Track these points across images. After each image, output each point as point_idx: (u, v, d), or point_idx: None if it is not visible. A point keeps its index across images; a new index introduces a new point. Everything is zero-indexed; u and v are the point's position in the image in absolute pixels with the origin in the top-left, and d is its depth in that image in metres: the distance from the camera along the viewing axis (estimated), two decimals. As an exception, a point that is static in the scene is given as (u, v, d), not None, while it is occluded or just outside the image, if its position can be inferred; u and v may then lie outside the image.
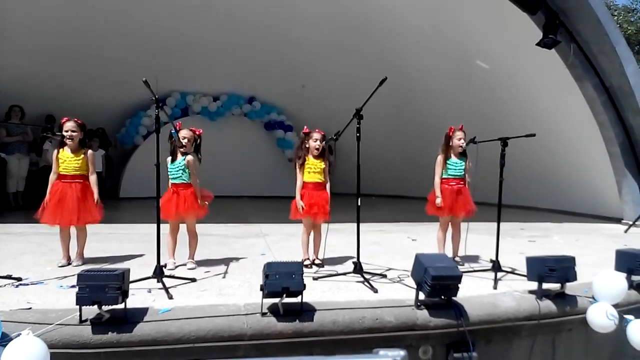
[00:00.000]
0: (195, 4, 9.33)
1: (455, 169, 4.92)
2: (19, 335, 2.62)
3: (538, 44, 7.53)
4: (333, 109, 8.59)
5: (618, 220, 8.27)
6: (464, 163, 4.94)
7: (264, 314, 3.20)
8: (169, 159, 4.54)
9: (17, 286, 3.73)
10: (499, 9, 7.69)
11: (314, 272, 4.40)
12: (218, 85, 11.93)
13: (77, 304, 2.89)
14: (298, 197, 4.67)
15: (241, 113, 12.51)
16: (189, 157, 4.52)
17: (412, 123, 11.16)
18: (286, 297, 3.15)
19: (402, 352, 0.98)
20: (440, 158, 4.97)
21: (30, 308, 3.15)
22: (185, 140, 4.50)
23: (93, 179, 4.56)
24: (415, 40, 9.66)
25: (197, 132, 4.67)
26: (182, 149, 4.49)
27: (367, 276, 4.09)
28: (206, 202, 4.62)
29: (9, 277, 3.85)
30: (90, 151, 4.62)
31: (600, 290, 3.77)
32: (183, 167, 4.49)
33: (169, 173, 4.50)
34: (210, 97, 12.15)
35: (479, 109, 9.51)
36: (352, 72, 10.34)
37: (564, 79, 8.06)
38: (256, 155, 12.56)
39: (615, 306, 3.69)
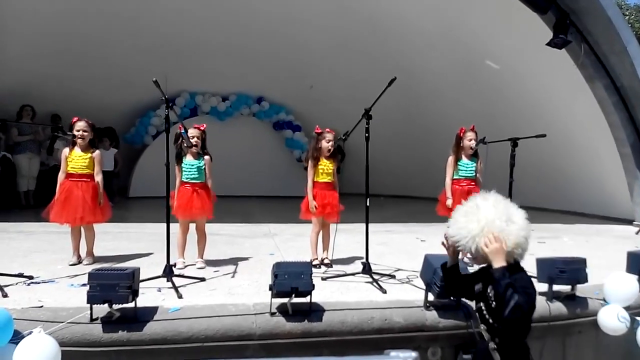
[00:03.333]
0: (203, 5, 9.36)
1: (466, 170, 4.89)
2: (30, 333, 2.65)
3: (548, 44, 7.47)
4: (341, 109, 8.58)
5: (629, 222, 8.20)
6: (475, 164, 4.91)
7: (272, 314, 3.20)
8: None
9: (28, 284, 3.77)
10: (509, 9, 7.64)
11: (323, 272, 4.40)
12: (227, 86, 11.95)
13: (88, 303, 2.92)
14: (310, 196, 4.67)
15: (250, 113, 12.53)
16: (207, 157, 4.61)
17: (420, 123, 11.12)
18: (295, 297, 3.15)
19: (413, 354, 0.98)
20: (450, 159, 4.95)
21: (41, 306, 3.17)
22: (195, 139, 4.53)
23: (99, 178, 4.60)
24: (424, 41, 9.63)
25: (202, 128, 4.70)
26: (194, 149, 4.52)
27: (375, 277, 4.08)
28: None
29: (20, 275, 3.89)
30: (97, 151, 4.66)
31: (612, 292, 3.73)
32: (202, 166, 4.54)
33: (183, 172, 4.53)
34: (219, 97, 12.18)
35: (487, 110, 9.45)
36: (360, 72, 10.33)
37: (574, 79, 8.00)
38: (264, 155, 12.56)
39: (627, 308, 3.66)
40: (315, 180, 4.70)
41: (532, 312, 2.41)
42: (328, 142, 4.67)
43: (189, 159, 4.55)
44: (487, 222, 2.40)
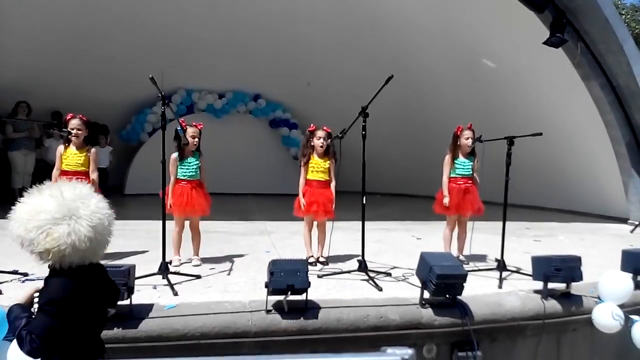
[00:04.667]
0: (201, 2, 9.33)
1: (463, 168, 4.90)
2: (25, 330, 2.63)
3: (545, 43, 7.48)
4: (339, 107, 8.57)
5: (624, 220, 8.23)
6: (472, 163, 4.92)
7: (268, 311, 3.21)
8: (175, 155, 4.54)
9: (23, 281, 3.77)
10: (506, 8, 7.65)
11: (319, 270, 4.40)
12: (223, 83, 11.92)
13: (83, 300, 2.90)
14: (300, 194, 4.69)
15: (246, 110, 12.50)
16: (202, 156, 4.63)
17: (418, 121, 11.13)
18: (291, 294, 3.16)
19: (410, 351, 0.98)
20: (447, 157, 4.95)
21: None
22: (196, 139, 4.54)
23: (94, 176, 4.58)
24: (422, 39, 9.63)
25: (198, 127, 4.70)
26: (192, 147, 4.52)
27: (371, 274, 4.09)
28: None
29: (15, 272, 3.88)
30: (93, 149, 4.64)
31: (606, 290, 3.76)
32: (198, 164, 4.55)
33: (181, 169, 4.52)
34: (216, 94, 12.14)
35: (485, 108, 9.47)
36: (357, 70, 10.32)
37: (570, 78, 8.02)
38: (261, 153, 12.54)
39: (621, 306, 3.68)
40: (307, 178, 4.70)
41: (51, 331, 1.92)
42: (319, 140, 4.67)
43: (187, 157, 4.55)
44: (31, 210, 1.93)
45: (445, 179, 4.94)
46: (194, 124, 4.69)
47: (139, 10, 9.27)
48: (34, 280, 3.80)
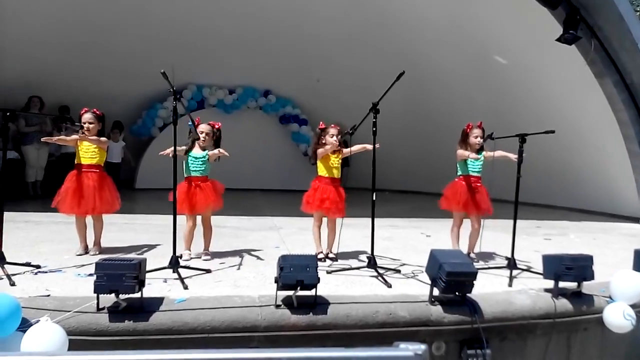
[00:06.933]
0: (212, -3, 9.36)
1: (473, 166, 4.86)
2: (38, 321, 2.67)
3: (558, 40, 7.40)
4: (348, 103, 8.56)
5: (636, 220, 8.15)
6: (482, 160, 4.86)
7: (278, 306, 3.22)
8: (183, 148, 4.54)
9: (35, 273, 3.80)
10: (519, 3, 7.58)
11: (328, 266, 4.41)
12: (234, 78, 11.96)
13: (94, 292, 2.94)
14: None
15: (256, 106, 12.53)
16: (211, 152, 4.56)
17: (427, 118, 11.08)
18: (300, 289, 3.16)
19: (422, 346, 0.97)
20: (461, 151, 4.87)
21: (48, 295, 3.20)
22: (204, 134, 4.53)
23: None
24: (432, 35, 9.57)
25: (217, 126, 4.69)
26: (201, 143, 4.52)
27: (381, 271, 4.08)
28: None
29: (27, 264, 3.92)
30: (104, 138, 4.67)
31: (618, 290, 3.73)
32: (206, 159, 4.54)
33: (190, 164, 4.53)
34: (226, 89, 12.18)
35: (495, 105, 9.41)
36: (367, 66, 10.29)
37: (583, 76, 7.94)
38: (271, 149, 12.57)
39: (633, 306, 3.65)
40: (323, 174, 4.67)
41: None
42: (332, 137, 4.62)
43: (195, 152, 4.55)
44: None
45: (466, 153, 4.82)
46: (210, 123, 4.67)
47: (150, 5, 9.31)
48: (46, 272, 3.85)
